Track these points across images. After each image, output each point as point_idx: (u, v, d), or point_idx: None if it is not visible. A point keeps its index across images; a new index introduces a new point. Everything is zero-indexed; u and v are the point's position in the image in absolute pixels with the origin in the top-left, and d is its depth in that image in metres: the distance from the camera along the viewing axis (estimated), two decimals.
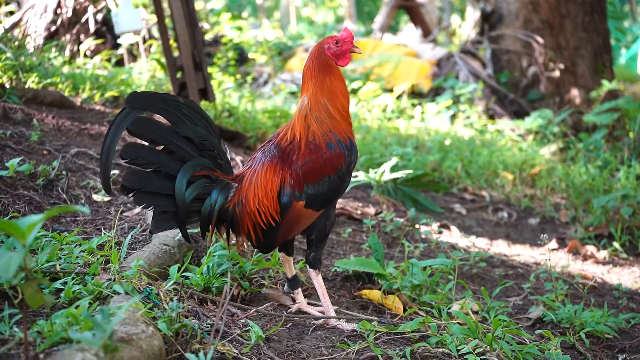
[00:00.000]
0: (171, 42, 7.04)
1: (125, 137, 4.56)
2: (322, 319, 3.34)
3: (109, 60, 9.21)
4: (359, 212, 5.51)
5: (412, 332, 3.27)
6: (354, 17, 28.81)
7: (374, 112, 10.44)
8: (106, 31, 9.66)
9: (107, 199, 4.45)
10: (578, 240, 6.00)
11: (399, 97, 11.51)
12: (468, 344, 3.15)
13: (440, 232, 5.62)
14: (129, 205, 4.41)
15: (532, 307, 4.19)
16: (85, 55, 9.04)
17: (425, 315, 3.59)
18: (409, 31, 20.33)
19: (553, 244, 5.98)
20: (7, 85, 6.00)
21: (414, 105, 11.30)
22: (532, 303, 4.36)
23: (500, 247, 5.87)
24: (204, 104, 7.00)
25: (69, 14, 9.23)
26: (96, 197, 4.46)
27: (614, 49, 14.27)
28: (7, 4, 9.15)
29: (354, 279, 4.06)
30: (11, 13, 9.03)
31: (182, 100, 3.21)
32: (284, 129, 3.33)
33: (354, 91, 11.17)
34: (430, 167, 7.58)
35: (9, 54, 6.38)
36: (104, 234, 3.72)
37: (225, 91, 8.77)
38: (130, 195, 3.14)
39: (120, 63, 9.60)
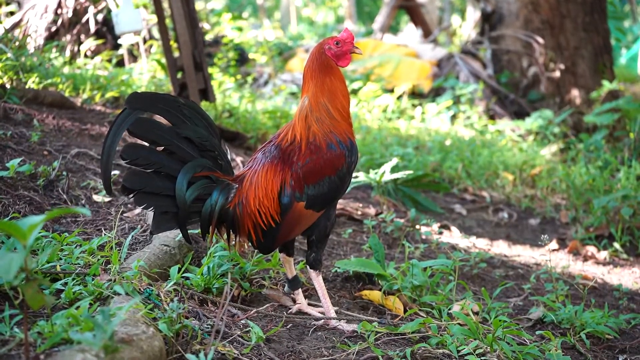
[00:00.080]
0: (171, 42, 7.04)
1: (126, 137, 4.56)
2: (323, 320, 3.34)
3: (109, 60, 9.21)
4: (359, 212, 5.51)
5: (412, 332, 3.27)
6: (354, 18, 28.80)
7: (375, 113, 10.44)
8: (107, 31, 9.66)
9: (107, 199, 4.45)
10: (578, 240, 6.00)
11: (399, 97, 11.51)
12: (468, 344, 3.15)
13: (440, 233, 5.61)
14: (129, 205, 4.41)
15: (533, 307, 4.19)
16: (85, 56, 9.04)
17: (425, 316, 3.59)
18: (410, 31, 20.33)
19: (553, 244, 5.98)
20: (8, 86, 6.00)
21: (414, 106, 11.30)
22: (533, 304, 4.36)
23: (500, 248, 5.87)
24: (204, 104, 7.00)
25: (70, 15, 9.23)
26: (97, 198, 4.46)
27: (614, 49, 14.26)
28: (7, 4, 9.15)
29: (354, 280, 4.06)
30: (12, 13, 9.03)
31: (182, 100, 3.21)
32: (285, 129, 3.33)
33: (355, 91, 11.18)
34: (430, 168, 7.58)
35: (9, 54, 6.38)
36: (105, 234, 3.72)
37: (226, 92, 8.77)
38: (131, 195, 3.14)
39: (120, 63, 9.60)
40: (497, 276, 4.92)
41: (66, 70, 7.71)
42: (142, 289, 2.98)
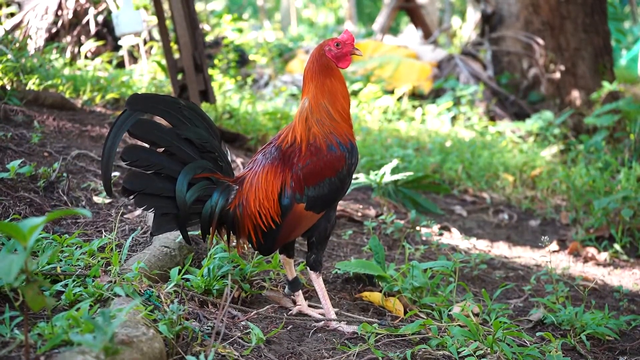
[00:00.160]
0: (172, 43, 7.05)
1: (126, 139, 4.57)
2: (323, 322, 3.34)
3: (109, 62, 9.21)
4: (359, 214, 5.51)
5: (412, 334, 3.27)
6: (354, 19, 28.81)
7: (375, 114, 10.44)
8: (107, 33, 9.66)
9: (107, 201, 4.45)
10: (579, 242, 6.00)
11: (399, 98, 11.51)
12: (469, 346, 3.15)
13: (440, 234, 5.61)
14: (129, 207, 4.41)
15: (533, 309, 4.19)
16: (86, 57, 9.04)
17: (426, 318, 3.59)
18: (410, 33, 20.34)
19: (554, 245, 5.98)
20: (8, 87, 6.01)
21: (414, 107, 11.30)
22: (533, 305, 4.36)
23: (500, 249, 5.87)
24: (204, 105, 7.00)
25: (70, 16, 9.24)
26: (97, 199, 4.47)
27: (614, 50, 14.26)
28: (8, 5, 9.15)
29: (354, 281, 4.06)
30: (12, 15, 9.03)
31: (182, 102, 3.21)
32: (285, 131, 3.33)
33: (355, 93, 11.18)
34: (430, 169, 7.58)
35: (9, 56, 6.38)
36: (105, 236, 3.72)
37: (226, 93, 8.77)
38: (131, 197, 3.14)
39: (121, 65, 9.61)
40: (498, 277, 4.92)
41: (66, 71, 7.71)
42: (142, 291, 2.98)
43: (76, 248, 3.43)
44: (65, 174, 4.52)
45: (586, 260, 5.75)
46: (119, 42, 9.31)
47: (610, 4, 15.62)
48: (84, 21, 9.38)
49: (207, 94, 6.86)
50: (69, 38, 9.23)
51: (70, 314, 2.46)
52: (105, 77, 7.65)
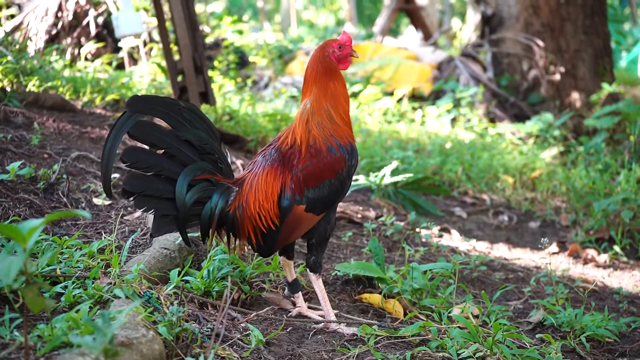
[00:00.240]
0: (172, 45, 7.05)
1: (126, 140, 4.57)
2: (323, 323, 3.34)
3: (109, 63, 9.21)
4: (359, 215, 5.51)
5: (412, 336, 3.27)
6: (354, 20, 28.84)
7: (375, 116, 10.44)
8: (107, 34, 9.66)
9: (107, 202, 4.45)
10: (578, 243, 6.00)
11: (399, 100, 11.51)
12: (468, 348, 3.15)
13: (440, 236, 5.61)
14: (129, 208, 4.41)
15: (533, 311, 4.19)
16: (86, 59, 9.03)
17: (425, 319, 3.59)
18: (410, 34, 20.34)
19: (553, 247, 5.98)
20: (8, 89, 6.01)
21: (414, 109, 11.30)
22: (533, 307, 4.36)
23: (500, 251, 5.87)
24: (204, 107, 7.01)
25: (70, 18, 9.23)
26: (97, 201, 4.47)
27: (614, 52, 14.26)
28: (8, 7, 9.15)
29: (354, 283, 4.06)
30: (12, 16, 9.03)
31: (182, 103, 3.21)
32: (285, 132, 3.34)
33: (355, 94, 11.18)
34: (430, 171, 7.58)
35: (10, 57, 6.39)
36: (105, 237, 3.72)
37: (226, 94, 8.77)
38: (131, 198, 3.14)
39: (121, 66, 9.61)
40: (497, 279, 4.92)
41: (66, 73, 7.71)
42: (142, 292, 2.98)
43: (76, 250, 3.43)
44: (65, 176, 4.52)
45: (586, 262, 5.75)
46: (119, 44, 9.31)
47: (610, 6, 15.63)
48: (84, 23, 9.38)
49: (207, 96, 6.86)
50: (69, 40, 9.23)
51: (70, 316, 2.46)
52: (105, 79, 7.65)
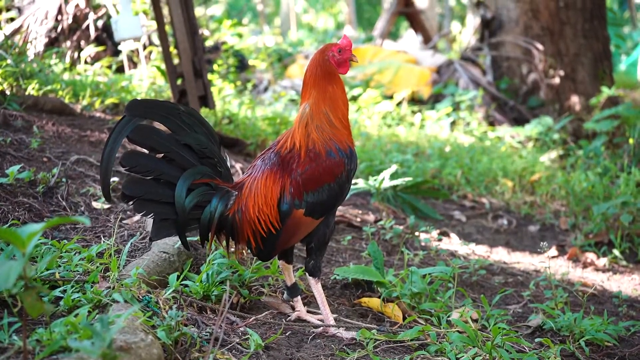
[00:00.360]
0: (171, 49, 7.05)
1: (126, 144, 4.57)
2: (322, 327, 3.34)
3: (109, 67, 9.21)
4: (358, 219, 5.51)
5: (411, 340, 3.27)
6: (354, 24, 28.87)
7: (374, 119, 10.44)
8: (107, 38, 9.66)
9: (106, 206, 4.45)
10: (578, 247, 6.00)
11: (399, 104, 11.51)
12: (467, 352, 3.15)
13: (439, 240, 5.61)
14: (128, 212, 4.41)
15: (532, 315, 4.18)
16: (85, 62, 9.04)
17: (424, 324, 3.59)
18: (409, 38, 20.37)
19: (553, 251, 5.98)
20: (8, 92, 6.01)
21: (414, 112, 11.30)
22: (532, 311, 4.36)
23: (500, 255, 5.87)
24: (204, 111, 7.01)
25: (70, 21, 9.24)
26: (96, 205, 4.46)
27: (614, 55, 14.27)
28: (8, 10, 9.15)
29: (353, 287, 4.06)
30: (12, 19, 9.03)
31: (182, 107, 3.21)
32: (284, 136, 3.34)
33: (354, 98, 11.18)
34: (430, 174, 7.58)
35: (9, 61, 6.39)
36: (104, 241, 3.72)
37: (225, 98, 8.77)
38: (130, 202, 3.15)
39: (120, 70, 9.61)
40: (497, 283, 4.92)
41: (66, 76, 7.72)
42: (141, 297, 2.98)
43: (75, 254, 3.43)
44: (64, 179, 4.52)
45: (585, 265, 5.75)
46: (119, 47, 9.32)
47: (610, 10, 15.64)
48: (84, 26, 9.39)
49: (206, 99, 6.86)
50: (68, 43, 9.23)
51: (69, 320, 2.46)
52: (105, 82, 7.65)
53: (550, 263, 5.47)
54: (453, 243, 5.82)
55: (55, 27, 9.12)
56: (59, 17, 9.15)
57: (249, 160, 6.72)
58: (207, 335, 2.95)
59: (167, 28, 7.57)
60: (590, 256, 5.82)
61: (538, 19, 11.31)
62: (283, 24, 33.06)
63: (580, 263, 5.79)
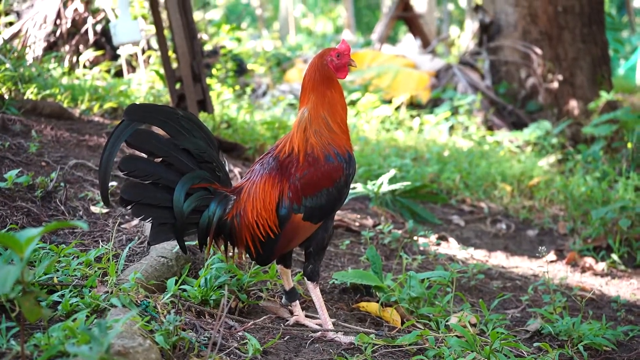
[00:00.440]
0: (170, 53, 7.05)
1: (124, 149, 4.57)
2: (320, 332, 3.34)
3: (108, 71, 9.22)
4: (357, 223, 5.51)
5: (410, 344, 3.27)
6: (353, 28, 28.90)
7: (373, 124, 10.45)
8: (105, 42, 9.67)
9: (105, 210, 4.44)
10: (576, 252, 6.00)
11: (397, 108, 11.52)
12: (466, 356, 3.14)
13: (438, 244, 5.61)
14: (127, 217, 4.41)
15: (530, 319, 4.18)
16: (84, 66, 9.04)
17: (423, 328, 3.59)
18: (408, 42, 20.38)
19: (551, 255, 5.98)
20: (6, 96, 6.01)
21: (412, 117, 11.31)
22: (530, 315, 4.35)
23: (498, 259, 5.87)
24: (202, 115, 7.01)
25: (69, 25, 9.24)
26: (94, 209, 4.46)
27: (612, 60, 14.29)
28: (6, 14, 9.15)
29: (351, 292, 4.06)
30: (11, 24, 9.03)
31: (180, 112, 3.22)
32: (283, 141, 3.34)
33: (353, 102, 11.18)
34: (428, 179, 7.58)
35: (8, 65, 6.39)
36: (102, 246, 3.72)
37: (224, 102, 8.77)
38: (129, 207, 3.15)
39: (119, 74, 9.61)
40: (495, 288, 4.92)
41: (65, 81, 7.72)
42: (139, 301, 2.98)
43: (73, 258, 3.43)
44: (62, 184, 4.52)
45: (584, 270, 5.75)
46: (118, 51, 9.32)
47: (608, 14, 15.66)
48: (83, 30, 9.39)
49: (205, 104, 6.86)
50: (67, 47, 9.23)
51: (67, 325, 2.46)
52: (104, 87, 7.66)
53: (548, 267, 5.48)
54: (451, 247, 5.82)
55: (54, 32, 9.13)
56: (58, 22, 9.15)
57: (247, 165, 6.72)
58: (205, 340, 2.94)
59: (166, 32, 7.58)
60: (589, 261, 5.82)
61: (536, 23, 11.33)
62: (282, 28, 33.09)
63: (579, 267, 5.79)
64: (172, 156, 3.16)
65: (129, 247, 3.69)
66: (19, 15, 9.19)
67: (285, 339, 3.26)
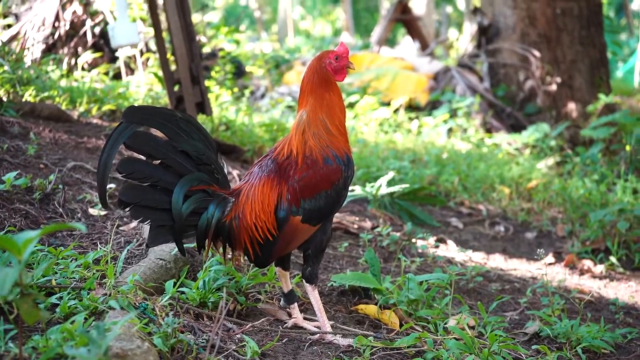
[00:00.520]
0: (168, 55, 7.06)
1: (123, 151, 4.57)
2: (318, 334, 3.34)
3: (106, 73, 9.22)
4: (355, 226, 5.51)
5: (408, 347, 3.27)
6: (351, 30, 28.91)
7: (371, 126, 10.45)
8: (104, 44, 9.67)
9: (103, 213, 4.44)
10: (575, 254, 6.00)
11: (396, 110, 11.52)
12: (464, 359, 3.14)
13: (436, 247, 5.61)
14: (125, 219, 4.40)
15: (529, 322, 4.18)
16: (82, 69, 9.04)
17: (421, 331, 3.59)
18: (407, 45, 20.40)
19: (550, 258, 5.98)
20: (5, 99, 6.01)
21: (411, 119, 11.31)
22: (529, 318, 4.35)
23: (496, 262, 5.87)
24: (201, 117, 7.01)
25: (67, 27, 9.24)
26: (92, 211, 4.46)
27: (610, 62, 14.30)
28: (5, 17, 9.15)
29: (350, 294, 4.06)
30: (9, 26, 9.03)
31: (179, 114, 3.22)
32: (281, 143, 3.34)
33: (351, 105, 11.18)
34: (427, 181, 7.58)
35: (6, 67, 6.39)
36: (100, 248, 3.72)
37: (223, 104, 8.78)
38: (127, 209, 3.14)
39: (117, 76, 9.61)
40: (493, 290, 4.92)
41: (63, 83, 7.72)
42: (137, 304, 2.97)
43: (71, 260, 3.42)
44: (61, 186, 4.52)
45: (582, 272, 5.75)
46: (116, 54, 9.32)
47: (607, 17, 15.67)
48: (81, 33, 9.39)
49: (203, 106, 6.86)
50: (65, 49, 9.23)
51: (65, 327, 2.46)
52: (102, 89, 7.65)
53: (547, 270, 5.47)
54: (450, 250, 5.82)
55: (52, 34, 9.13)
56: (56, 24, 9.15)
57: (246, 167, 6.72)
58: (203, 342, 2.94)
59: (165, 35, 7.58)
60: (587, 263, 5.82)
61: (535, 25, 11.33)
62: (280, 30, 33.09)
63: (577, 270, 5.79)
64: (171, 158, 3.16)
65: (128, 250, 3.69)
66: (17, 17, 9.19)
67: (283, 341, 3.26)
